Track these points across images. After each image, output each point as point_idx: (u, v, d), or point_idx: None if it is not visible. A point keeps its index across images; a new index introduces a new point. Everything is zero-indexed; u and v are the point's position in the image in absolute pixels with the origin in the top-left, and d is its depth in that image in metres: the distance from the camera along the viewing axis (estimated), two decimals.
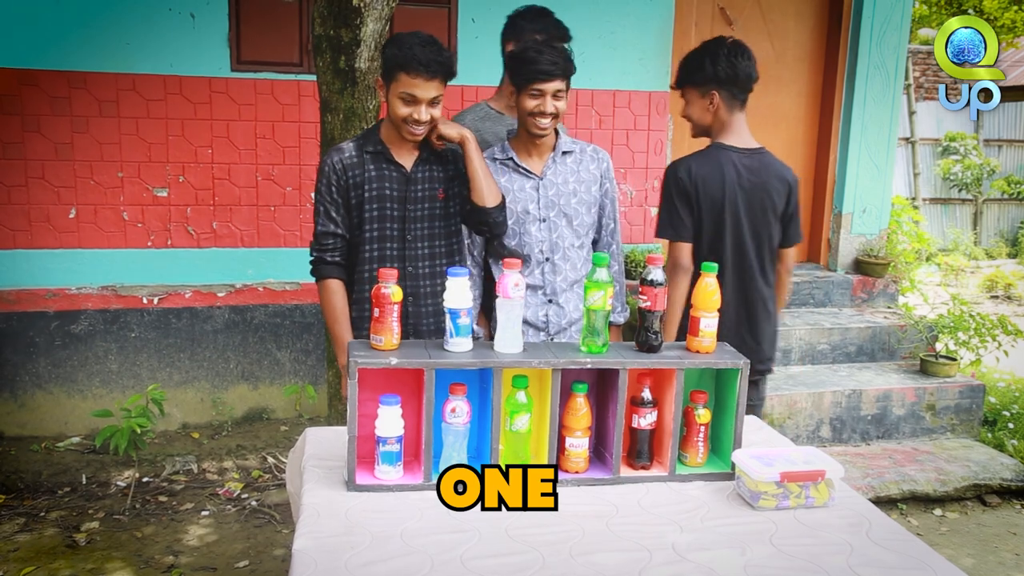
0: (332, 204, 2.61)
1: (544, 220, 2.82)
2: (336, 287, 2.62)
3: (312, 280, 2.66)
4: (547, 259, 2.83)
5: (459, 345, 2.05)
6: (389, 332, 2.02)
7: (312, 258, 2.64)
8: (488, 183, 2.64)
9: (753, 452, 2.08)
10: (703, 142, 2.96)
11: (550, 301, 2.84)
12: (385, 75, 2.52)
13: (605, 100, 5.09)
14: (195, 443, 4.52)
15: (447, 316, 2.04)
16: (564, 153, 2.85)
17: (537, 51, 2.66)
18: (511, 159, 2.82)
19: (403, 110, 2.49)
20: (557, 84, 2.65)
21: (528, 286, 2.77)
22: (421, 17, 4.69)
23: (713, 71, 2.81)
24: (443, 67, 2.48)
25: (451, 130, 2.59)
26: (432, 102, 2.50)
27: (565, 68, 2.68)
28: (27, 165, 4.39)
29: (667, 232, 2.88)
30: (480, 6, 4.76)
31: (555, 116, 2.70)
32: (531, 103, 2.66)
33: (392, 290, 2.01)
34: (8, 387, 4.48)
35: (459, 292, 2.03)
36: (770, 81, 5.53)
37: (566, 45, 2.94)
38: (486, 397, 2.05)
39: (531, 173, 2.81)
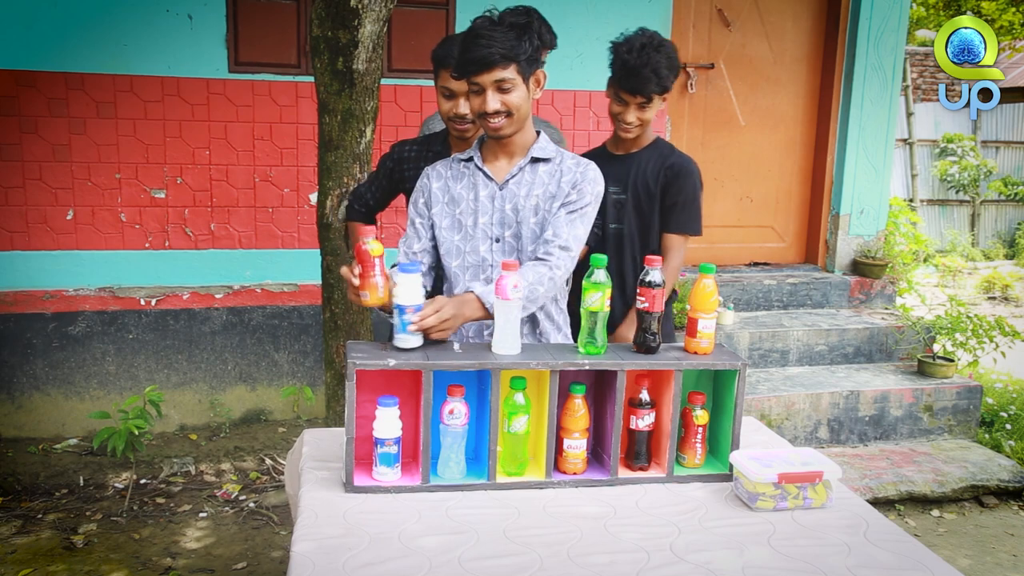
0: (377, 181, 2.95)
1: (498, 240, 2.32)
2: (357, 225, 3.01)
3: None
4: None
5: (405, 342, 2.03)
6: (373, 288, 2.03)
7: (347, 201, 3.11)
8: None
9: (751, 453, 2.08)
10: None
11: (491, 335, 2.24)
12: (434, 75, 2.64)
13: (604, 101, 5.06)
14: (193, 445, 4.52)
15: (395, 312, 2.03)
16: (536, 160, 2.33)
17: (474, 36, 2.17)
18: (472, 159, 2.37)
19: (444, 105, 2.61)
20: (497, 73, 2.17)
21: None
22: (419, 18, 4.69)
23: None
24: None
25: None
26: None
27: (506, 52, 2.15)
28: (24, 167, 4.39)
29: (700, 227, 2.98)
30: (478, 7, 4.75)
31: (508, 114, 2.22)
32: (474, 101, 2.24)
33: (372, 246, 2.01)
34: (5, 389, 4.48)
35: (409, 288, 2.01)
36: (768, 82, 5.54)
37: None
38: (484, 399, 2.05)
39: (491, 179, 2.33)
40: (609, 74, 2.91)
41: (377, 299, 2.04)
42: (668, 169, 2.90)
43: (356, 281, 2.07)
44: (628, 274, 2.95)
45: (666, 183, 2.90)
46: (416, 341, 2.03)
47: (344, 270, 2.12)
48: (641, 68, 2.74)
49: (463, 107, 2.56)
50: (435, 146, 2.77)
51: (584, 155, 2.98)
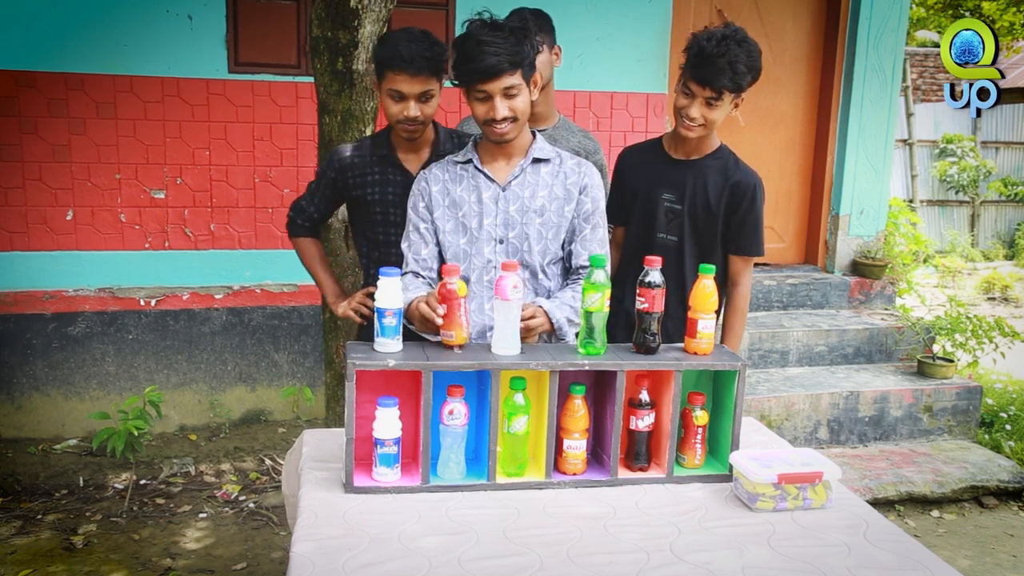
0: (320, 192, 2.76)
1: (502, 241, 2.34)
2: (307, 241, 2.85)
3: (309, 282, 2.70)
4: None
5: (384, 346, 2.02)
6: (459, 327, 2.04)
7: (288, 217, 2.85)
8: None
9: (751, 454, 2.08)
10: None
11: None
12: (377, 75, 2.50)
13: (603, 102, 5.09)
14: (192, 445, 4.51)
15: (376, 315, 2.02)
16: (537, 161, 2.35)
17: (477, 42, 2.17)
18: (471, 161, 2.37)
19: (393, 108, 2.48)
20: (506, 80, 2.18)
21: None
22: (419, 19, 4.69)
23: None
24: (429, 62, 2.41)
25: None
26: (422, 98, 2.46)
27: (513, 58, 2.16)
28: (24, 167, 4.39)
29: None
30: (478, 7, 4.75)
31: (514, 119, 2.24)
32: (480, 108, 2.24)
33: (457, 286, 2.01)
34: (5, 389, 4.48)
35: (389, 292, 2.00)
36: (767, 82, 5.54)
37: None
38: (484, 399, 2.05)
39: (493, 181, 2.34)
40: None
41: (462, 338, 2.05)
42: (733, 188, 2.66)
43: (439, 320, 2.03)
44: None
45: (731, 203, 2.67)
46: (396, 346, 2.03)
47: (425, 309, 2.06)
48: (717, 58, 2.47)
49: (414, 110, 2.46)
50: (380, 149, 2.63)
51: (634, 147, 2.89)
